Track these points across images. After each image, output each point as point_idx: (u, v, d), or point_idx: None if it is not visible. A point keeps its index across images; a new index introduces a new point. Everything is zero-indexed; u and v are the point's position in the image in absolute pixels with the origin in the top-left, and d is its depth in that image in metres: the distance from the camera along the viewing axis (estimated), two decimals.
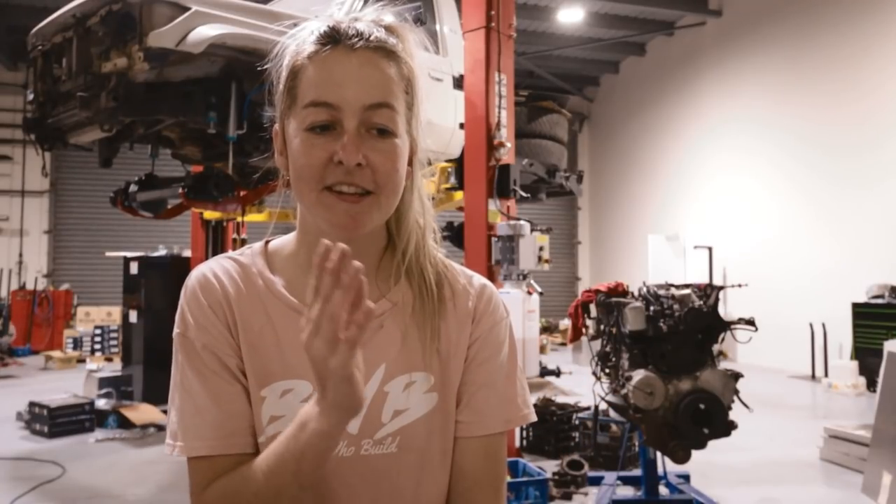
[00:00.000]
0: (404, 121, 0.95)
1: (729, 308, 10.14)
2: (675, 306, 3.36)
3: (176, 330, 0.96)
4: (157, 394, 6.68)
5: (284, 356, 0.95)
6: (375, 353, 0.97)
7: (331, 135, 0.90)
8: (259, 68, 1.01)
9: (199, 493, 0.92)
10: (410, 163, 0.99)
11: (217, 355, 0.94)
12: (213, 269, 0.99)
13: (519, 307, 4.99)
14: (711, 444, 3.26)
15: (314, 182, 0.90)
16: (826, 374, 9.05)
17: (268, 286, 0.98)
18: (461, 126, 5.66)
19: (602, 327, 3.81)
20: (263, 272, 0.99)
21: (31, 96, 4.88)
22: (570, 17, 12.31)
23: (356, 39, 0.91)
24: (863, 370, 8.20)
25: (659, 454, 3.58)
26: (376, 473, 0.95)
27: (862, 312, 8.61)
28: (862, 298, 8.70)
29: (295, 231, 1.02)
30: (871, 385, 7.85)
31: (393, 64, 0.93)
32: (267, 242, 1.05)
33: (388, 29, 0.96)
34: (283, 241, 1.04)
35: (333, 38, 0.91)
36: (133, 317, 7.19)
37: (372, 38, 0.92)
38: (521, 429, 5.52)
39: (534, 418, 1.07)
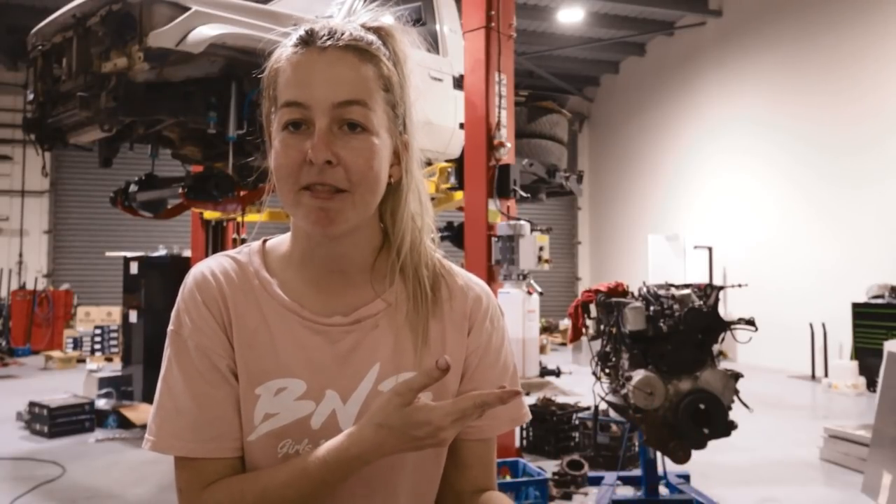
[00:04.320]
0: (384, 119, 0.94)
1: (729, 308, 10.13)
2: (675, 306, 3.36)
3: (170, 327, 0.97)
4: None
5: (278, 355, 0.96)
6: (370, 353, 0.98)
7: (304, 134, 0.91)
8: (255, 76, 1.02)
9: (191, 493, 0.93)
10: (400, 162, 0.99)
11: (208, 356, 0.94)
12: (212, 266, 1.00)
13: (519, 307, 4.99)
14: (711, 444, 3.26)
15: (291, 182, 0.91)
16: (826, 374, 9.04)
17: (263, 285, 0.99)
18: (461, 126, 5.66)
19: (602, 327, 3.81)
20: (260, 271, 1.00)
21: (31, 96, 4.88)
22: (570, 17, 12.30)
23: (326, 39, 0.91)
24: (863, 370, 8.20)
25: (659, 454, 3.58)
26: (370, 471, 0.95)
27: (862, 312, 8.61)
28: (862, 298, 8.70)
29: (290, 231, 1.04)
30: (871, 385, 7.84)
31: (368, 63, 0.93)
32: (265, 241, 1.06)
33: (375, 30, 0.96)
34: (280, 241, 1.05)
35: (306, 41, 0.92)
36: (133, 317, 7.19)
37: (343, 37, 0.92)
38: (521, 428, 5.52)
39: (530, 416, 1.10)
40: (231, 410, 0.95)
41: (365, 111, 0.92)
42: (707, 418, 3.20)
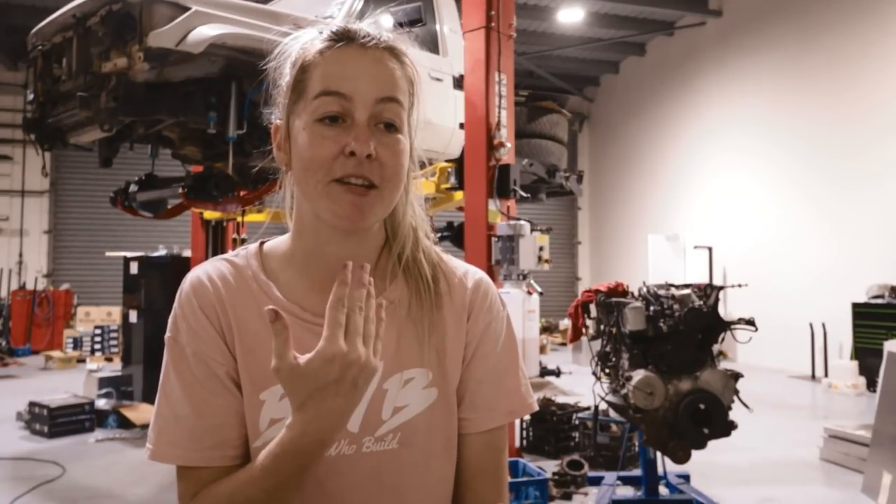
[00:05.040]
0: (406, 121, 0.96)
1: (729, 308, 10.14)
2: (675, 306, 3.36)
3: (168, 334, 0.96)
4: (156, 394, 6.67)
5: None
6: None
7: (341, 127, 0.91)
8: (259, 68, 1.02)
9: (184, 502, 0.92)
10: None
11: (206, 363, 0.94)
12: (208, 271, 0.99)
13: (519, 307, 4.98)
14: (711, 444, 3.26)
15: (322, 173, 0.91)
16: (826, 374, 9.05)
17: (262, 288, 0.98)
18: (461, 126, 5.66)
19: (602, 327, 3.81)
20: (258, 274, 0.99)
21: (31, 96, 4.88)
22: (570, 17, 12.31)
23: (368, 39, 0.94)
24: (863, 370, 8.20)
25: (659, 454, 3.58)
26: (379, 470, 0.95)
27: (862, 312, 8.61)
28: (862, 298, 8.70)
29: (289, 232, 1.03)
30: (871, 385, 7.84)
31: (399, 65, 0.96)
32: (262, 243, 1.05)
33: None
34: (278, 242, 1.04)
35: (347, 37, 0.94)
36: (133, 317, 7.19)
37: (382, 38, 0.95)
38: (521, 429, 5.53)
39: (536, 407, 1.08)
40: (231, 418, 0.94)
41: (399, 109, 0.94)
42: (707, 418, 3.21)
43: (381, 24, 0.99)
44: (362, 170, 0.90)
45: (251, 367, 0.95)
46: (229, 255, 1.03)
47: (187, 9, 4.30)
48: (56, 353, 10.45)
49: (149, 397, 6.74)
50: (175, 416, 0.93)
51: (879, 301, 8.46)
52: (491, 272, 5.13)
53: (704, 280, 10.93)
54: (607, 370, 3.72)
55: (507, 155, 5.19)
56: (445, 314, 1.02)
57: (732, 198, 11.72)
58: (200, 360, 0.94)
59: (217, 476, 0.92)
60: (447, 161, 6.27)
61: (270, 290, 0.98)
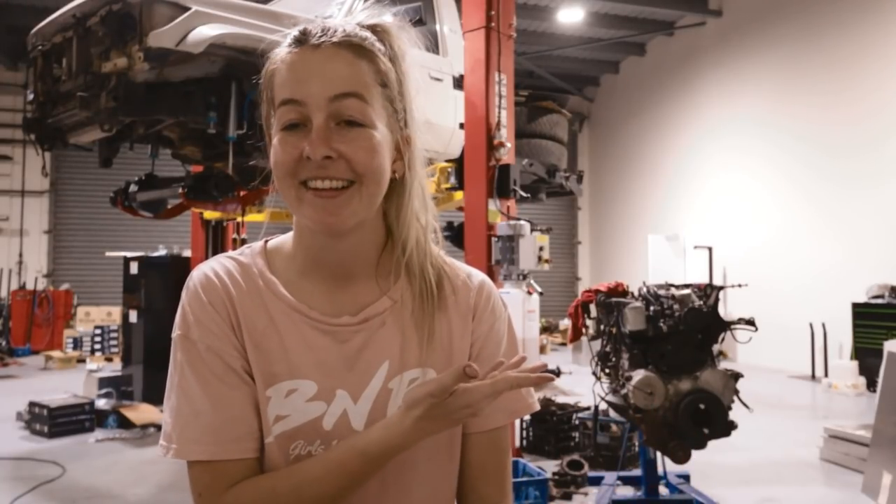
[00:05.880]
0: (382, 114, 0.94)
1: (729, 308, 10.13)
2: (675, 306, 3.36)
3: (177, 331, 0.95)
4: (157, 394, 6.68)
5: (289, 356, 0.95)
6: (378, 352, 0.98)
7: (302, 132, 0.91)
8: (254, 81, 1.02)
9: (212, 497, 0.91)
10: (402, 157, 0.99)
11: (221, 357, 0.93)
12: (215, 268, 0.99)
13: (519, 307, 4.98)
14: (711, 444, 3.26)
15: (289, 178, 0.91)
16: (826, 374, 9.05)
17: (268, 286, 0.98)
18: (461, 126, 5.66)
19: (602, 327, 3.81)
20: (264, 272, 0.99)
21: (31, 96, 4.88)
22: (570, 17, 12.31)
23: (320, 37, 0.92)
24: (863, 370, 8.20)
25: (659, 454, 3.58)
26: (383, 469, 0.95)
27: (862, 312, 8.61)
28: (862, 298, 8.70)
29: (292, 231, 1.03)
30: (871, 385, 7.84)
31: (363, 59, 0.93)
32: (266, 242, 1.05)
33: (372, 28, 0.97)
34: (282, 241, 1.04)
35: (300, 40, 0.93)
36: (133, 317, 7.20)
37: (337, 34, 0.92)
38: (521, 429, 5.53)
39: (537, 407, 1.09)
40: (249, 410, 0.94)
41: (361, 105, 0.91)
42: (707, 418, 3.20)
43: (371, 17, 0.97)
44: (326, 171, 0.90)
45: (259, 363, 0.95)
46: (233, 253, 1.03)
47: (187, 9, 4.30)
48: (56, 353, 10.45)
49: (149, 397, 6.74)
50: (195, 412, 0.92)
51: (879, 301, 8.46)
52: (491, 272, 5.13)
53: (704, 280, 10.93)
54: (607, 370, 3.71)
55: (507, 155, 5.19)
56: (451, 315, 1.03)
57: (732, 198, 11.72)
58: (215, 355, 0.93)
59: (239, 468, 0.91)
60: (447, 161, 6.27)
61: (277, 289, 0.98)
